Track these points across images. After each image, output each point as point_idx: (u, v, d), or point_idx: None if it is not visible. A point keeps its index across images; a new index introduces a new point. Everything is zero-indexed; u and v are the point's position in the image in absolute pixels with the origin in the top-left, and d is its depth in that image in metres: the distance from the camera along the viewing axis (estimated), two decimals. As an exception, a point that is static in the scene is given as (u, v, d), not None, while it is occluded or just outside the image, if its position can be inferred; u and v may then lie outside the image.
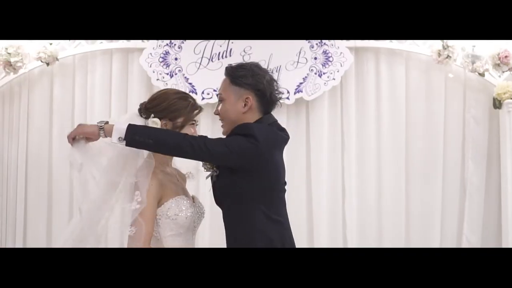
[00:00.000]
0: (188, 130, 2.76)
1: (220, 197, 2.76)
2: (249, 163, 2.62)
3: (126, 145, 2.57)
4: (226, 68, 2.81)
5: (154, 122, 2.71)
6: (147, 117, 2.74)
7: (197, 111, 2.81)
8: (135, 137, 2.56)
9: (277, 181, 2.74)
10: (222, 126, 2.83)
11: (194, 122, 2.81)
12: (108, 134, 2.59)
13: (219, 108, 2.82)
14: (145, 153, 2.71)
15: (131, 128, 2.57)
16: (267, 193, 2.68)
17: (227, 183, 2.69)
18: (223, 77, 2.83)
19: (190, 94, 3.16)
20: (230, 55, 4.66)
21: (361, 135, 4.80)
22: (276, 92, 2.80)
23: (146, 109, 2.77)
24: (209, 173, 2.80)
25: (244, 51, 4.66)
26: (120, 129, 2.56)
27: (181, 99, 2.78)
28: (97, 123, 2.63)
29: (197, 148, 2.57)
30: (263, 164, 2.65)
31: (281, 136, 2.80)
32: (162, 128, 2.70)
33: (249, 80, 2.74)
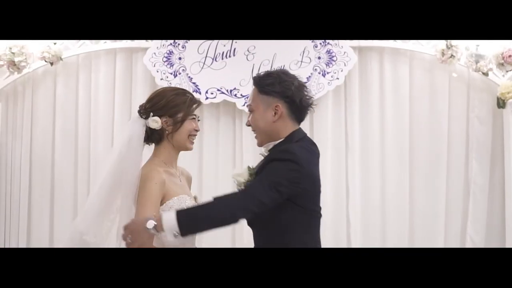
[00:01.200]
0: (189, 124, 2.79)
1: (253, 219, 2.64)
2: (295, 190, 2.56)
3: (183, 236, 2.44)
4: (254, 78, 2.77)
5: (154, 121, 2.75)
6: (146, 117, 2.78)
7: (195, 105, 2.82)
8: (190, 229, 2.44)
9: (316, 204, 2.70)
10: (255, 137, 2.77)
11: (194, 116, 2.83)
12: (160, 230, 2.44)
13: (249, 118, 2.76)
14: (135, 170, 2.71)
15: (182, 220, 2.42)
16: (305, 218, 2.64)
17: None
18: (252, 87, 2.77)
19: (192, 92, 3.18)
20: (234, 55, 4.66)
21: (365, 135, 4.79)
22: (307, 97, 2.72)
23: (145, 110, 2.80)
24: None
25: (248, 50, 4.65)
26: (171, 226, 2.41)
27: (178, 94, 2.81)
28: (146, 226, 2.44)
29: (252, 208, 2.48)
30: (307, 187, 2.61)
31: (316, 153, 2.75)
32: (206, 203, 2.52)
33: (277, 87, 2.67)
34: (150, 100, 2.82)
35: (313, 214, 2.69)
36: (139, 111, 2.82)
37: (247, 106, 2.84)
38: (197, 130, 2.84)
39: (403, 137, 4.76)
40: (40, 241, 4.72)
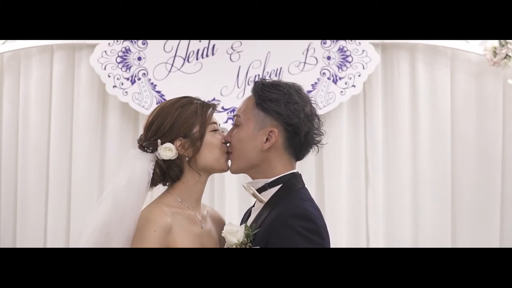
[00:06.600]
0: (212, 137, 2.24)
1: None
2: None
3: None
4: (256, 83, 2.20)
5: (167, 149, 2.21)
6: (154, 149, 2.23)
7: (210, 109, 2.26)
8: None
9: None
10: (230, 158, 2.21)
11: (215, 128, 2.26)
12: None
13: (232, 133, 2.21)
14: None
15: None
16: None
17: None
18: (250, 94, 2.21)
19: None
20: (212, 54, 3.86)
21: (391, 162, 3.89)
22: (315, 132, 2.16)
23: (148, 140, 2.25)
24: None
25: (232, 48, 3.84)
26: None
27: (184, 105, 2.25)
28: None
29: None
30: None
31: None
32: None
33: (281, 107, 2.10)
34: (150, 125, 2.25)
35: None
36: (140, 145, 2.26)
37: (233, 116, 2.26)
38: (226, 142, 2.24)
39: (443, 166, 3.87)
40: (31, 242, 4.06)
